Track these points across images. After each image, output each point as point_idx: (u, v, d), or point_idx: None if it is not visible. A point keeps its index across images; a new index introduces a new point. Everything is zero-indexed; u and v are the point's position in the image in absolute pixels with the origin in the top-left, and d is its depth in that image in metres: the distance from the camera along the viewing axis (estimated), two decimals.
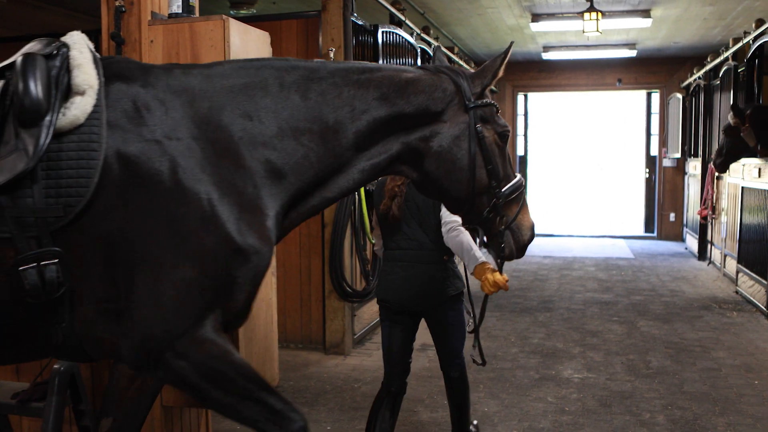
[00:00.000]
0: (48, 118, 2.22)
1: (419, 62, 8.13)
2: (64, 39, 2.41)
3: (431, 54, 8.94)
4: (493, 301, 4.34)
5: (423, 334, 4.15)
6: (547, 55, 13.16)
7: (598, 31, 8.26)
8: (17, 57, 2.33)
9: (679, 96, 13.24)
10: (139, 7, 3.48)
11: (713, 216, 10.36)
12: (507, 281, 3.35)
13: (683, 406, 4.87)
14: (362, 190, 6.13)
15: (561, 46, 12.84)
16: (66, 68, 2.32)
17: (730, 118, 7.94)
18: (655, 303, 8.18)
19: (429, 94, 2.54)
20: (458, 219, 3.53)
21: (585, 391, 5.17)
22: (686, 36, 11.68)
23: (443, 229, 3.66)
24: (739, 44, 9.23)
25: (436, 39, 9.88)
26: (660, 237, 14.46)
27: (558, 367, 5.72)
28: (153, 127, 2.29)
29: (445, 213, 3.65)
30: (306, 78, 2.47)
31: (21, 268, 2.15)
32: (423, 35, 8.96)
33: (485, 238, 2.79)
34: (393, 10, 7.68)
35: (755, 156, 8.07)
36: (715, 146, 8.93)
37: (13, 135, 2.21)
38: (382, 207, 3.75)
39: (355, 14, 6.35)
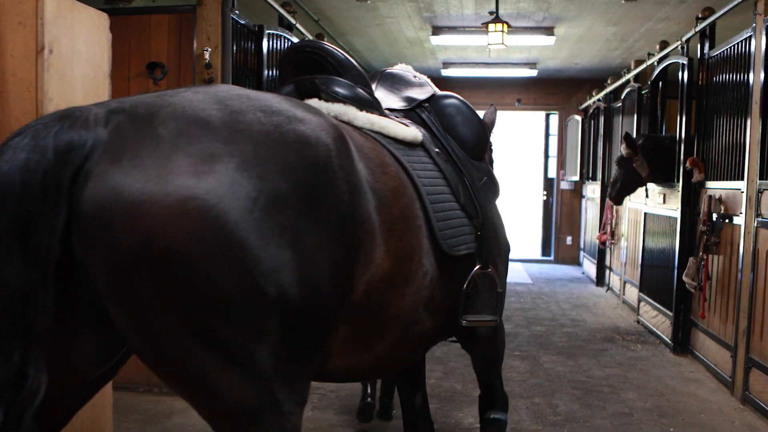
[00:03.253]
0: None
1: None
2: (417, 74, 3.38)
3: None
4: None
5: None
6: (446, 72, 12.69)
7: (503, 43, 7.77)
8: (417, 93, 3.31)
9: (578, 118, 13.07)
10: None
11: (612, 241, 10.10)
12: None
13: None
14: None
15: (461, 63, 12.40)
16: None
17: (622, 149, 7.63)
18: (557, 334, 7.73)
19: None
20: None
21: None
22: (587, 57, 11.47)
23: None
24: (643, 66, 8.98)
25: None
26: (557, 261, 14.24)
27: (457, 415, 5.09)
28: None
29: None
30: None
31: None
32: None
33: None
34: (282, 11, 6.92)
35: (646, 185, 7.87)
36: (615, 170, 8.61)
37: (470, 168, 3.12)
38: None
39: (237, 12, 5.59)
